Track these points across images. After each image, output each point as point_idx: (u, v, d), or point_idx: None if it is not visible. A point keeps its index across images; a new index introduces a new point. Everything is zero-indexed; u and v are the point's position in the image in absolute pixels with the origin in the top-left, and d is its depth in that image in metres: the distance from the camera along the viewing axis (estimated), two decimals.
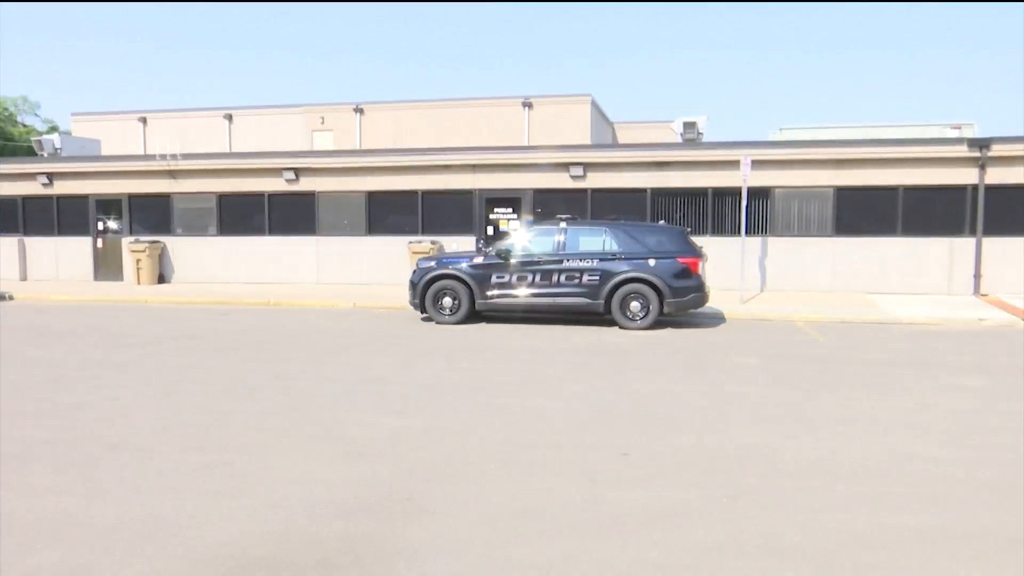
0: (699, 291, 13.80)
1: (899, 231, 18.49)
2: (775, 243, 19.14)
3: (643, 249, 13.77)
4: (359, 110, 36.23)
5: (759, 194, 18.88)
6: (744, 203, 17.00)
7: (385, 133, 34.72)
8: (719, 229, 19.39)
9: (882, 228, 18.61)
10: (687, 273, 13.70)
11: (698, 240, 15.52)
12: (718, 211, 19.46)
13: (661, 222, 17.09)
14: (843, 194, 18.81)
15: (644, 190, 19.74)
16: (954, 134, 21.90)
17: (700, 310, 14.58)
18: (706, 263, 14.24)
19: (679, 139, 20.49)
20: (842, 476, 5.66)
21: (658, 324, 13.83)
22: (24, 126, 79.06)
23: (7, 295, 19.56)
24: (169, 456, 6.09)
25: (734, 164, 17.92)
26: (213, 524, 4.71)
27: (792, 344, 12.12)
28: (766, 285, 19.13)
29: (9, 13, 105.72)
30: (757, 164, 17.82)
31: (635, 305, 13.66)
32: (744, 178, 16.68)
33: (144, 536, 4.53)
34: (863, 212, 18.77)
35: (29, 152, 51.10)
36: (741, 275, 17.22)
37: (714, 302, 15.47)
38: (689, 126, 20.08)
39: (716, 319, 15.05)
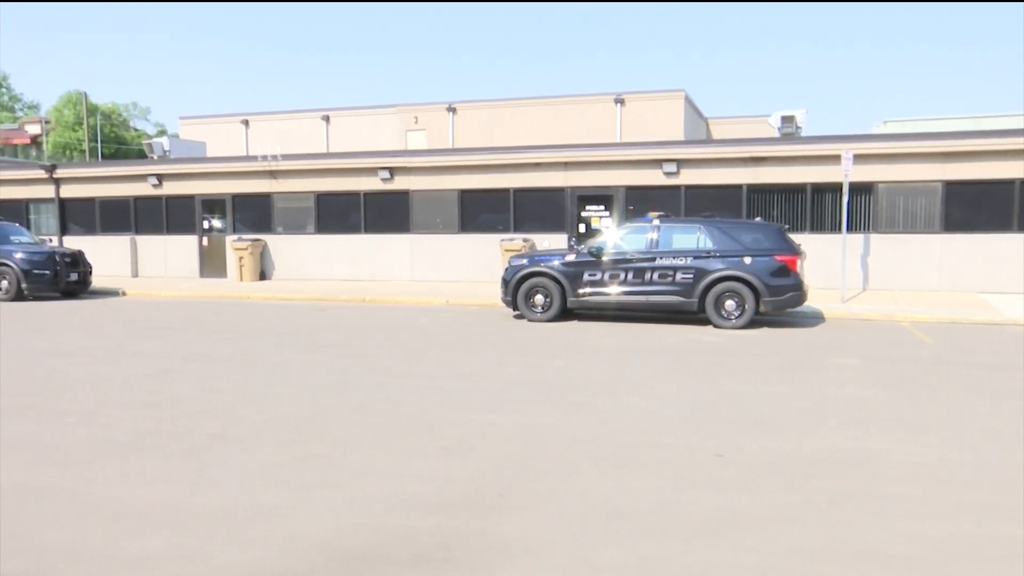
0: (797, 290, 13.42)
1: (1015, 227, 17.53)
2: (878, 240, 18.44)
3: (738, 247, 13.47)
4: (452, 109, 36.66)
5: (861, 189, 18.22)
6: (845, 199, 16.41)
7: (477, 132, 35.04)
8: (818, 226, 18.80)
9: (995, 224, 17.69)
10: (785, 271, 13.33)
11: (796, 237, 15.07)
12: (817, 207, 18.88)
13: (758, 219, 16.70)
14: (952, 188, 17.97)
15: (739, 186, 19.31)
16: None
17: (798, 309, 14.18)
18: (804, 261, 13.83)
19: (776, 134, 20.00)
20: (950, 484, 5.40)
21: (754, 323, 13.52)
22: (136, 130, 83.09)
23: (120, 291, 20.60)
24: (269, 448, 6.29)
25: (835, 159, 17.33)
26: (311, 514, 4.83)
27: (896, 345, 11.65)
28: (868, 284, 18.45)
29: (125, 21, 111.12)
30: (859, 158, 17.20)
31: (730, 304, 13.37)
32: (845, 173, 16.11)
33: (245, 524, 4.69)
34: (974, 207, 17.88)
35: (140, 155, 53.70)
36: (842, 273, 16.63)
37: (813, 301, 15.01)
38: (787, 120, 19.58)
39: (815, 318, 14.60)
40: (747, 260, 13.34)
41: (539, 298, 14.37)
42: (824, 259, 17.75)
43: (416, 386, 8.73)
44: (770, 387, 8.70)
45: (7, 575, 4.02)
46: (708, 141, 30.13)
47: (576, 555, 4.25)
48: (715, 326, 13.45)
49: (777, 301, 13.34)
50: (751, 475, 5.60)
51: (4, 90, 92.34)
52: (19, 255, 18.84)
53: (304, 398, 8.12)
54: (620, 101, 34.04)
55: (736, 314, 13.36)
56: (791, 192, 19.03)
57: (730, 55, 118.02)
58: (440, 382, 8.96)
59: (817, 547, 4.36)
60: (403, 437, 6.59)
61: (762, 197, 19.22)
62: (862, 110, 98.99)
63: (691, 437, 6.57)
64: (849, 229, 17.23)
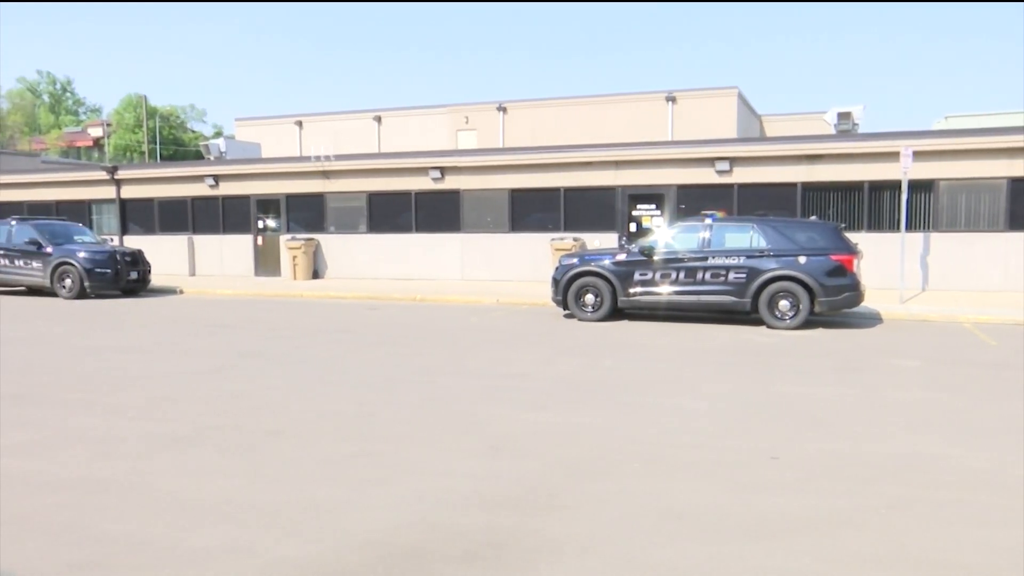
0: (854, 290, 13.14)
1: None
2: (939, 239, 17.98)
3: (793, 246, 13.24)
4: (502, 109, 36.72)
5: (921, 187, 17.79)
6: (904, 197, 16.03)
7: (527, 131, 35.03)
8: (876, 225, 18.41)
9: None
10: (841, 271, 13.07)
11: (853, 236, 14.76)
12: (875, 206, 18.48)
13: (813, 218, 16.39)
14: (1018, 185, 17.44)
15: (794, 184, 18.99)
16: None
17: (854, 310, 13.89)
18: (861, 260, 13.54)
19: (832, 130, 19.62)
20: (1014, 491, 5.23)
21: (808, 324, 13.28)
22: (193, 132, 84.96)
23: (177, 289, 21.07)
24: (322, 444, 6.36)
25: (893, 156, 16.96)
26: (363, 511, 4.88)
27: (957, 347, 11.34)
28: (928, 284, 18.00)
29: (185, 25, 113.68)
30: (919, 155, 16.79)
31: (784, 304, 13.16)
32: (904, 170, 15.74)
33: (300, 519, 4.75)
34: None
35: (197, 156, 54.87)
36: (900, 273, 16.25)
37: (870, 301, 14.69)
38: (844, 117, 19.21)
39: (872, 319, 14.29)
40: (802, 260, 13.11)
41: (589, 297, 14.31)
42: (882, 259, 17.37)
43: (466, 385, 8.75)
44: (826, 389, 8.54)
45: (72, 564, 4.13)
46: (761, 139, 29.69)
47: (628, 556, 4.22)
48: (768, 326, 13.25)
49: (833, 301, 13.09)
50: (806, 478, 5.49)
51: (68, 94, 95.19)
52: (82, 254, 19.39)
53: (356, 395, 8.21)
54: (671, 99, 33.72)
55: (790, 314, 13.14)
56: (847, 190, 18.66)
57: (785, 51, 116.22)
58: (490, 381, 8.97)
59: (876, 553, 4.26)
60: (453, 435, 6.61)
61: (817, 195, 18.88)
62: (922, 106, 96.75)
63: (744, 439, 6.48)
64: (908, 228, 16.83)
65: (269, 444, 6.37)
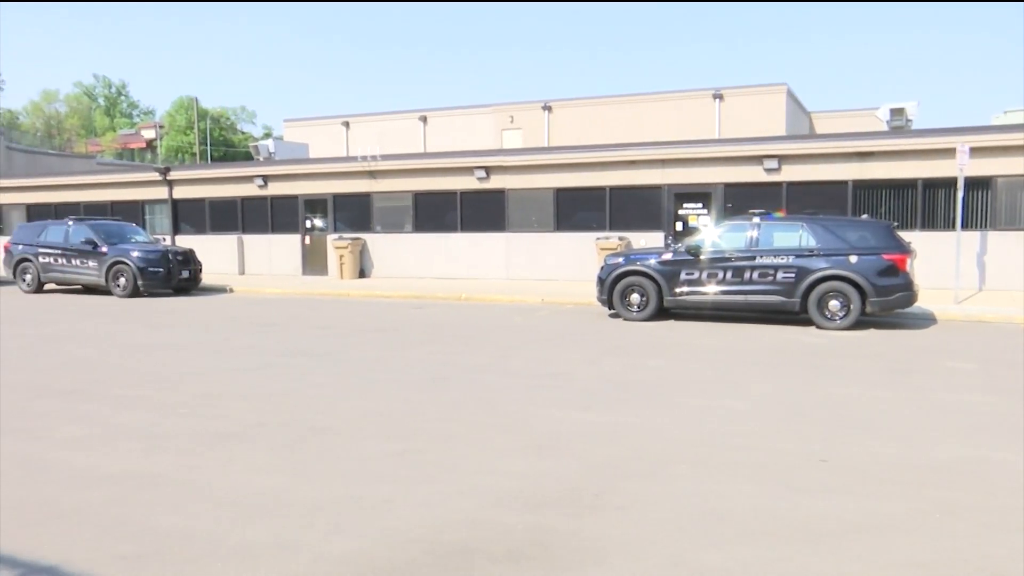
0: (906, 290, 12.85)
1: None
2: (996, 238, 17.49)
3: (843, 245, 12.99)
4: (547, 108, 36.68)
5: (978, 184, 17.34)
6: (960, 194, 15.63)
7: (573, 130, 34.95)
8: (930, 223, 17.98)
9: None
10: (893, 270, 12.79)
11: (906, 235, 14.43)
12: (929, 204, 18.05)
13: (864, 216, 16.07)
14: None
15: (844, 183, 18.64)
16: None
17: (907, 310, 13.59)
18: (915, 260, 13.23)
19: (885, 127, 19.20)
20: None
21: (859, 324, 13.02)
22: (243, 133, 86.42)
23: (227, 288, 21.44)
24: (368, 441, 6.41)
25: (948, 152, 16.55)
26: (408, 508, 4.90)
27: (1015, 349, 11.01)
28: (985, 284, 17.53)
29: (235, 27, 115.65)
30: (976, 151, 16.35)
31: (834, 304, 12.92)
32: (960, 167, 15.34)
33: (345, 516, 4.79)
34: None
35: (247, 157, 55.81)
36: (955, 273, 15.83)
37: (923, 302, 14.36)
38: (896, 113, 18.78)
39: (926, 320, 13.96)
40: (852, 259, 12.86)
41: (635, 297, 14.21)
42: (936, 258, 16.97)
43: (511, 383, 8.75)
44: (877, 391, 8.36)
45: (123, 556, 4.22)
46: (811, 136, 29.19)
47: (674, 558, 4.17)
48: (818, 327, 13.02)
49: (884, 302, 12.82)
50: (857, 481, 5.38)
51: (123, 98, 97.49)
52: (136, 253, 19.82)
53: (401, 394, 8.26)
54: (719, 96, 33.36)
55: (840, 315, 12.90)
56: (900, 188, 18.26)
57: (835, 46, 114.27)
58: (535, 380, 8.96)
59: (929, 560, 4.15)
60: (498, 434, 6.61)
61: (869, 193, 18.51)
62: (979, 100, 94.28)
63: (793, 441, 6.37)
64: (964, 226, 16.41)
65: (315, 441, 6.44)
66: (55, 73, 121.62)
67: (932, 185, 17.93)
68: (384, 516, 4.78)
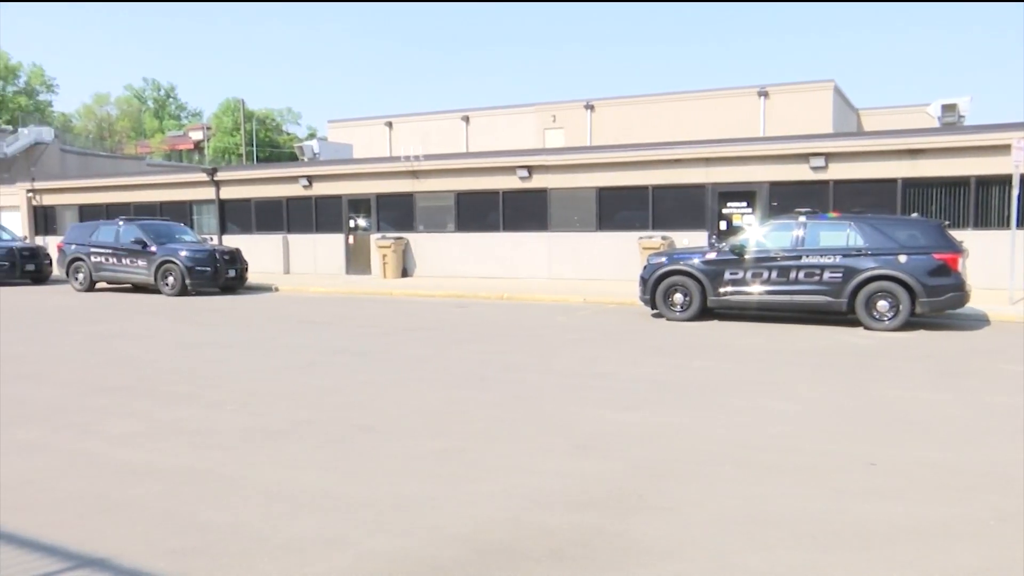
0: (958, 290, 12.56)
1: None
2: None
3: (892, 244, 12.75)
4: (589, 107, 36.56)
5: None
6: (1015, 192, 15.21)
7: (615, 129, 34.78)
8: (983, 222, 17.55)
9: None
10: (944, 270, 12.51)
11: (958, 234, 14.09)
12: (982, 202, 17.62)
13: (914, 215, 15.75)
14: None
15: (894, 181, 18.29)
16: None
17: (959, 311, 13.29)
18: (967, 259, 12.92)
19: (936, 123, 18.79)
20: None
21: (908, 325, 12.76)
22: (287, 134, 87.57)
23: (272, 287, 21.74)
24: (411, 440, 6.45)
25: (1003, 148, 16.14)
26: (451, 507, 4.92)
27: None
28: None
29: (281, 29, 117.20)
30: None
31: (882, 304, 12.68)
32: (1016, 164, 14.95)
33: (390, 513, 4.83)
34: None
35: (292, 157, 56.53)
36: (1010, 273, 15.43)
37: (976, 302, 14.02)
38: (948, 109, 18.36)
39: (978, 321, 13.64)
40: (902, 258, 12.61)
41: (678, 297, 14.10)
42: (990, 257, 16.56)
43: (553, 383, 8.74)
44: (927, 393, 8.18)
45: (173, 550, 4.30)
46: (859, 133, 28.67)
47: (719, 561, 4.13)
48: (865, 328, 12.79)
49: (935, 302, 12.55)
50: (906, 485, 5.27)
51: (171, 100, 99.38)
52: (184, 253, 20.19)
53: (444, 393, 8.29)
54: (764, 94, 32.94)
55: (889, 315, 12.66)
56: (952, 186, 17.86)
57: (885, 41, 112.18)
58: (577, 380, 8.93)
59: (983, 567, 4.05)
60: (540, 434, 6.61)
61: (919, 192, 18.13)
62: None
63: (839, 443, 6.26)
64: (1020, 225, 15.97)
65: (360, 439, 6.49)
66: (106, 76, 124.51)
67: (985, 183, 17.50)
68: (428, 514, 4.80)
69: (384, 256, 23.49)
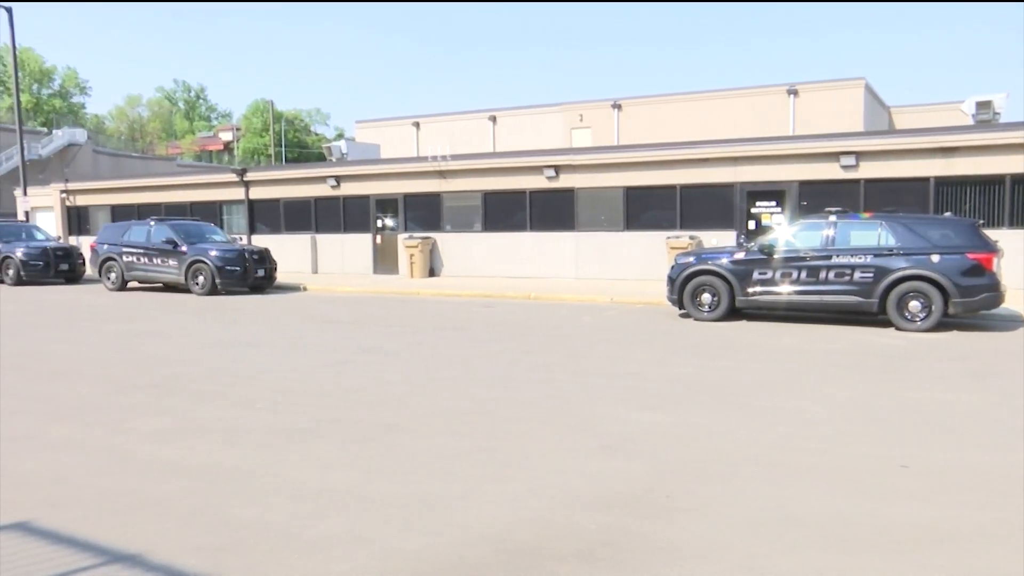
0: (993, 290, 12.34)
1: None
2: None
3: (925, 244, 12.56)
4: (616, 106, 36.43)
5: None
6: None
7: (642, 128, 34.63)
8: (1019, 221, 17.24)
9: None
10: (978, 270, 12.31)
11: (992, 234, 13.86)
12: (1018, 200, 17.31)
13: (948, 214, 15.51)
14: None
15: (926, 179, 18.02)
16: None
17: (994, 312, 13.07)
18: (1002, 259, 12.70)
19: (970, 121, 18.48)
20: None
21: (941, 326, 12.57)
22: (316, 134, 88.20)
23: (301, 286, 21.89)
24: (438, 439, 6.46)
25: None
26: (479, 506, 4.92)
27: None
28: None
29: (309, 31, 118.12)
30: None
31: (914, 305, 12.50)
32: None
33: (418, 512, 4.84)
34: None
35: (320, 158, 56.93)
36: None
37: (1011, 303, 13.78)
38: (983, 106, 18.05)
39: (1014, 322, 13.40)
40: (935, 258, 12.42)
41: (706, 297, 14.00)
42: None
43: (580, 383, 8.72)
44: (960, 395, 8.05)
45: (201, 547, 4.34)
46: (891, 131, 28.31)
47: (748, 563, 4.09)
48: (897, 328, 12.62)
49: (969, 303, 12.35)
50: (939, 488, 5.19)
51: (202, 101, 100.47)
52: (214, 253, 20.39)
53: (471, 392, 8.30)
54: (793, 92, 32.64)
55: (921, 316, 12.48)
56: (986, 184, 17.56)
57: (917, 38, 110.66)
58: (604, 380, 8.90)
59: (1019, 572, 3.97)
60: (567, 433, 6.59)
61: (952, 190, 17.85)
62: None
63: (870, 445, 6.18)
64: None
65: (387, 438, 6.52)
66: (138, 78, 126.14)
67: (1021, 181, 17.20)
68: (455, 513, 4.81)
69: (411, 256, 23.56)
